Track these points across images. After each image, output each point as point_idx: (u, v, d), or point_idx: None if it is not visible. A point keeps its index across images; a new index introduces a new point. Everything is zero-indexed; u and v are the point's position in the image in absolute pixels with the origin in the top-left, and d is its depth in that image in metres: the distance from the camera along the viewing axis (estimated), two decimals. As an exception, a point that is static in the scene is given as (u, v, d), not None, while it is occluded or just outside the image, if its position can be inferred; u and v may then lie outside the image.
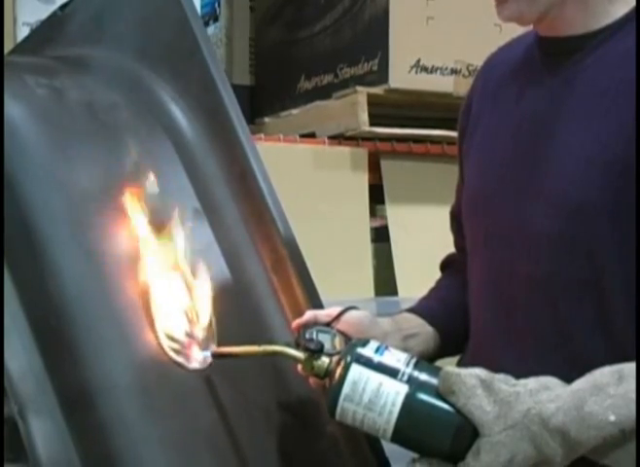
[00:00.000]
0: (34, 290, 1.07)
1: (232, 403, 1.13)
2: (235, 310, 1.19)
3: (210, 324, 1.14)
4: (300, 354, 1.07)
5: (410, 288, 2.12)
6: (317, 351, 1.07)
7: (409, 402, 0.97)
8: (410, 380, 0.98)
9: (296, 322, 1.16)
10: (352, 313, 1.18)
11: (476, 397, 0.95)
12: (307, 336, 1.11)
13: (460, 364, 1.26)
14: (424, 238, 2.22)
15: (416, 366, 1.00)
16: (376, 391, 0.98)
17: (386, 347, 1.03)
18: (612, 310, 1.06)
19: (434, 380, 0.98)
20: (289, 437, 1.16)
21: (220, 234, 1.23)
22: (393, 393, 0.98)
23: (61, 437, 1.02)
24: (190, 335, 1.12)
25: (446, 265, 1.40)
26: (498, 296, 1.15)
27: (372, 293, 2.19)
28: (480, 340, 1.20)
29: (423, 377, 0.99)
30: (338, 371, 1.01)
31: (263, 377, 1.18)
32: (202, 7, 2.59)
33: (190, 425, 1.08)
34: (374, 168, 2.26)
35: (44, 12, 1.74)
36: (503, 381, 0.97)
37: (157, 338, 1.10)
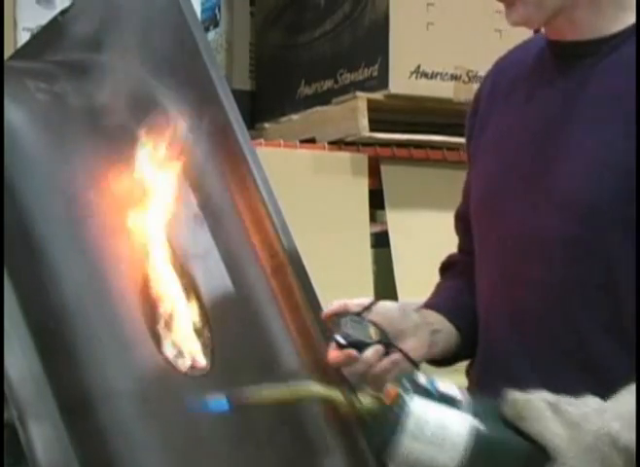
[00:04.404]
0: (34, 295, 1.07)
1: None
2: (235, 316, 1.19)
3: (210, 329, 1.14)
4: (338, 395, 1.00)
5: (411, 293, 2.12)
6: (356, 345, 1.06)
7: (476, 432, 0.93)
8: (473, 409, 0.95)
9: (326, 311, 1.15)
10: (383, 304, 1.17)
11: (546, 421, 0.93)
12: (342, 325, 1.09)
13: (470, 369, 1.25)
14: (424, 244, 2.22)
15: (470, 394, 0.97)
16: (440, 424, 0.93)
17: (431, 377, 0.98)
18: (625, 314, 1.05)
19: (496, 407, 0.95)
20: (289, 443, 1.15)
21: (220, 240, 1.23)
22: (458, 424, 0.93)
23: (61, 442, 1.01)
24: (189, 340, 1.12)
25: (447, 267, 1.37)
26: (510, 300, 1.14)
27: (372, 298, 2.19)
28: (492, 344, 1.19)
29: (483, 404, 0.96)
30: (393, 406, 0.94)
31: (262, 382, 1.17)
32: (202, 12, 2.59)
33: (189, 431, 1.07)
34: (374, 174, 2.26)
35: (44, 17, 1.74)
36: (568, 403, 0.95)
37: (157, 343, 1.10)
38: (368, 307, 1.15)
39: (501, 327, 1.16)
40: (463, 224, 1.29)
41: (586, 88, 1.11)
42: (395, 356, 1.12)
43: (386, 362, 1.11)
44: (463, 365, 1.29)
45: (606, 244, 1.05)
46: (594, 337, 1.07)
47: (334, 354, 1.10)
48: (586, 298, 1.07)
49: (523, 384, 1.12)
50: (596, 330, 1.07)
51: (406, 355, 1.13)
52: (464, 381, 1.26)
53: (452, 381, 1.00)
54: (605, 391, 1.06)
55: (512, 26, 1.15)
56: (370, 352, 1.10)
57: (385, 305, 1.18)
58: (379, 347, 1.10)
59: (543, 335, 1.11)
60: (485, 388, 1.19)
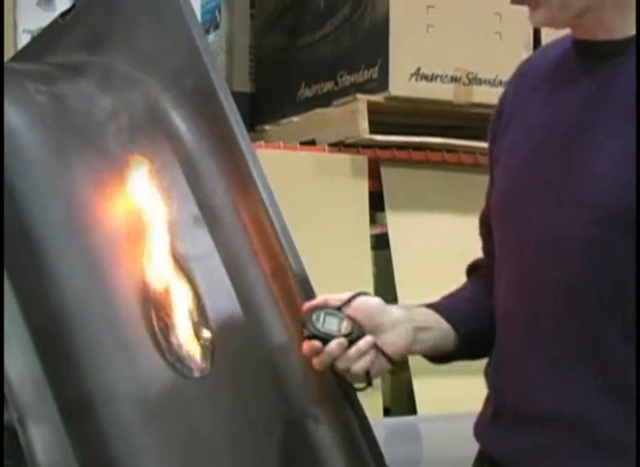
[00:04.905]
0: (34, 297, 1.07)
1: (232, 410, 1.13)
2: (235, 318, 1.19)
3: (210, 331, 1.14)
4: None
5: (411, 295, 2.12)
6: (320, 336, 1.09)
7: None
8: None
9: (306, 304, 1.16)
10: (363, 299, 1.19)
11: None
12: (314, 318, 1.12)
13: (487, 369, 1.24)
14: (424, 246, 2.22)
15: None
16: None
17: None
18: (632, 314, 1.05)
19: None
20: (289, 444, 1.15)
21: (220, 242, 1.23)
22: None
23: (61, 444, 1.02)
24: (189, 342, 1.12)
25: (473, 269, 1.37)
26: (527, 300, 1.14)
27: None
28: (507, 344, 1.19)
29: None
30: None
31: (263, 384, 1.18)
32: (203, 14, 2.59)
33: (189, 433, 1.08)
34: (374, 176, 2.26)
35: (45, 19, 1.74)
36: None
37: (157, 345, 1.10)
38: (347, 302, 1.17)
39: (517, 326, 1.16)
40: (486, 227, 1.28)
41: (611, 87, 1.10)
42: (361, 345, 1.14)
43: (353, 351, 1.13)
44: (480, 365, 1.28)
45: (623, 245, 1.05)
46: (609, 337, 1.07)
47: (303, 346, 1.13)
48: (601, 298, 1.07)
49: (536, 384, 1.12)
50: (611, 331, 1.07)
51: (380, 349, 1.16)
52: (482, 383, 1.26)
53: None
54: (618, 392, 1.06)
55: (536, 27, 1.14)
56: (332, 344, 1.12)
57: (366, 300, 1.19)
58: (343, 340, 1.13)
59: (557, 334, 1.11)
60: (500, 387, 1.19)
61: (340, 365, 1.14)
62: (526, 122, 1.20)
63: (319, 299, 1.17)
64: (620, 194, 1.06)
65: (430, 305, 1.27)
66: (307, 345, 1.13)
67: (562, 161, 1.12)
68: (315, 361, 1.13)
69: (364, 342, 1.14)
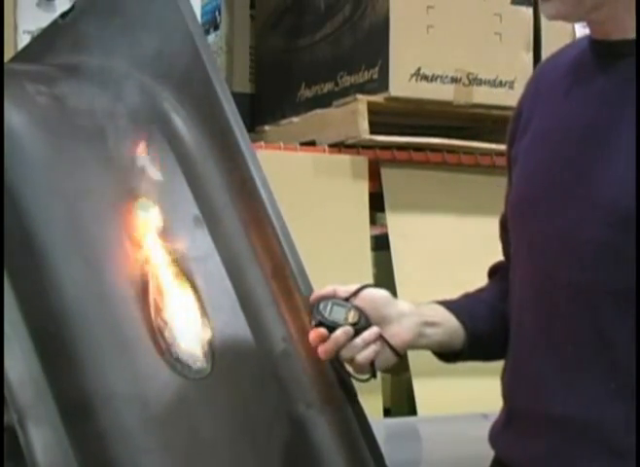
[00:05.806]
0: (34, 298, 1.07)
1: (232, 411, 1.13)
2: (235, 319, 1.19)
3: (210, 332, 1.14)
4: None
5: (411, 296, 2.11)
6: (327, 324, 1.11)
7: None
8: None
9: (315, 294, 1.18)
10: (370, 290, 1.20)
11: None
12: (322, 307, 1.14)
13: (504, 370, 1.24)
14: (424, 246, 2.22)
15: None
16: None
17: None
18: None
19: None
20: (289, 445, 1.15)
21: (220, 242, 1.23)
22: None
23: (61, 445, 1.02)
24: (190, 343, 1.12)
25: (493, 272, 1.36)
26: (540, 301, 1.14)
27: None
28: (520, 346, 1.19)
29: None
30: None
31: (262, 385, 1.18)
32: (203, 15, 2.59)
33: (189, 434, 1.08)
34: (375, 176, 2.25)
35: (45, 19, 1.74)
36: None
37: (157, 346, 1.10)
38: (355, 293, 1.18)
39: (530, 328, 1.16)
40: (506, 231, 1.28)
41: (627, 88, 1.09)
42: (367, 335, 1.15)
43: (358, 340, 1.15)
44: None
45: (635, 248, 1.05)
46: (622, 340, 1.06)
47: (310, 334, 1.15)
48: (614, 302, 1.07)
49: (548, 387, 1.12)
50: (624, 333, 1.06)
51: (386, 341, 1.17)
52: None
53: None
54: (630, 395, 1.05)
55: (549, 20, 1.14)
56: (338, 332, 1.14)
57: (374, 291, 1.20)
58: (349, 328, 1.14)
59: (570, 337, 1.10)
60: (512, 390, 1.19)
61: (345, 354, 1.15)
62: (543, 123, 1.20)
63: (327, 289, 1.18)
64: (634, 195, 1.05)
65: (441, 302, 1.27)
66: (314, 333, 1.14)
67: (577, 163, 1.12)
68: (320, 349, 1.14)
69: (369, 332, 1.15)
